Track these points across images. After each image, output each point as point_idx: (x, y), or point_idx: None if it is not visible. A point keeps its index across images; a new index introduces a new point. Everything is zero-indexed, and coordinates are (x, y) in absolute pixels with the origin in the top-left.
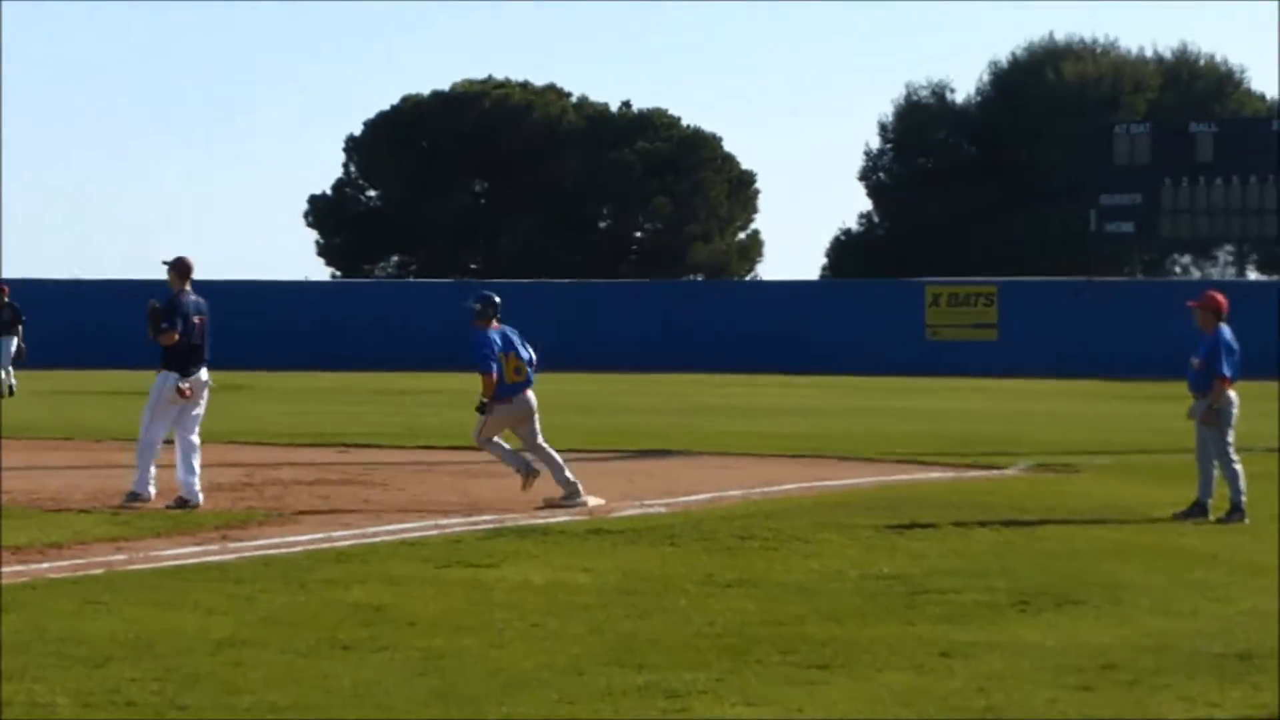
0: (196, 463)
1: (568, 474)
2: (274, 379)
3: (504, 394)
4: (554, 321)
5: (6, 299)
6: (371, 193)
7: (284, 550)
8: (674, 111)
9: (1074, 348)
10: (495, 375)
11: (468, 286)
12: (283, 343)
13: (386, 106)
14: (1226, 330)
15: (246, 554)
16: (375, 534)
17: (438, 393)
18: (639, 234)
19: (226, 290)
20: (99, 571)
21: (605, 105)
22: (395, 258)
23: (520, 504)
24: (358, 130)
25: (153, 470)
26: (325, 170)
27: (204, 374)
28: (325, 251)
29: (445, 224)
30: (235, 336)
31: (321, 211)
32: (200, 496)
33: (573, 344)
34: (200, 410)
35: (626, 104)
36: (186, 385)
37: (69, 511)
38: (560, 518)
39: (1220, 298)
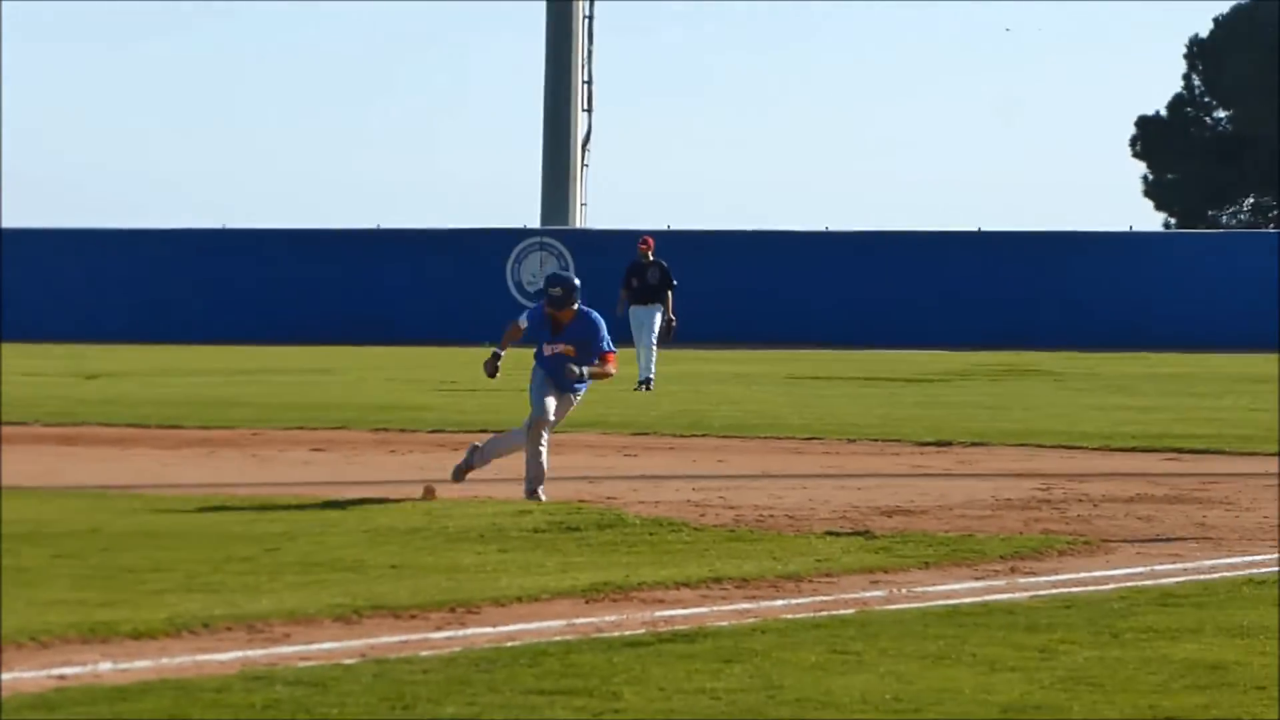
0: None
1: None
2: (1078, 360)
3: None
4: None
5: (651, 255)
6: (1220, 113)
7: (1092, 589)
8: None
9: None
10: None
11: None
12: (1101, 308)
13: None
14: None
15: (1042, 593)
16: (1214, 569)
17: None
18: None
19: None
20: (849, 612)
21: None
22: (1249, 200)
23: None
24: (1204, 30)
25: None
26: (1160, 84)
27: None
28: (1154, 191)
29: None
30: (1022, 303)
31: (1153, 138)
32: None
33: None
34: None
35: None
36: None
37: (810, 535)
38: None
39: None
